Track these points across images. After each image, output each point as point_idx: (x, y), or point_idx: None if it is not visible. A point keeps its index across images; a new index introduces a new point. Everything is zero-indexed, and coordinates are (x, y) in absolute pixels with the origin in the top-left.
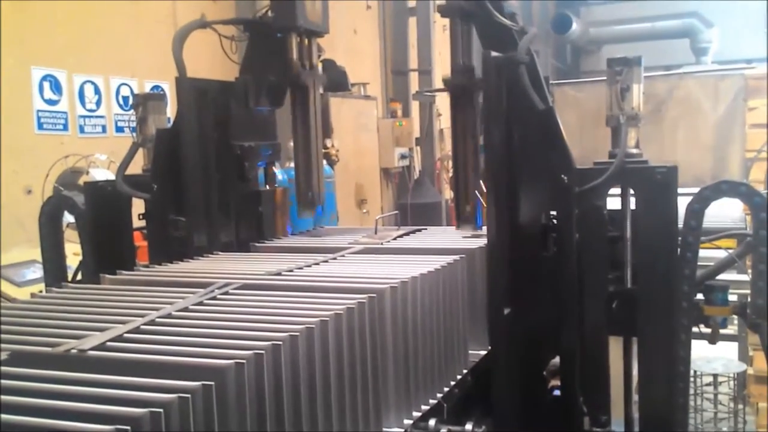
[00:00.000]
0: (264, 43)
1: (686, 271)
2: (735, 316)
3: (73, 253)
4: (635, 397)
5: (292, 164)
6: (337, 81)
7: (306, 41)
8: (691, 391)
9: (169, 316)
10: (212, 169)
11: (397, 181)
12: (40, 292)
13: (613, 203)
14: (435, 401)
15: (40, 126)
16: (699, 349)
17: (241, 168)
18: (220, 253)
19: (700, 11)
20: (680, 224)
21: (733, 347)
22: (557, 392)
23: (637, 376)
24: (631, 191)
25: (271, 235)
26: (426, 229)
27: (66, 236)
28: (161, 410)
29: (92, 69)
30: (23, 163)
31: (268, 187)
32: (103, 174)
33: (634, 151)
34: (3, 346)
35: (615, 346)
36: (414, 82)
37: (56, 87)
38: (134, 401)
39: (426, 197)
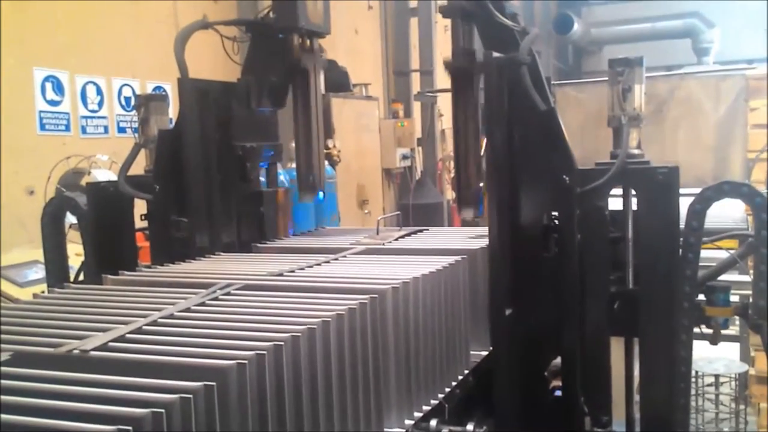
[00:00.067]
0: (266, 44)
1: (688, 271)
2: (736, 317)
3: (75, 253)
4: (636, 398)
5: (294, 165)
6: (339, 82)
7: (307, 42)
8: (693, 392)
9: (171, 316)
10: (214, 170)
11: (398, 182)
12: (42, 292)
13: (615, 204)
14: (436, 402)
15: (42, 127)
16: (700, 350)
17: (243, 169)
18: (222, 253)
19: (702, 11)
20: (682, 225)
21: (734, 348)
22: (558, 393)
23: (638, 376)
24: (633, 192)
25: (272, 235)
26: (428, 229)
27: (68, 237)
28: (163, 410)
29: (94, 70)
30: (25, 164)
31: (269, 187)
32: (105, 175)
33: (636, 151)
34: (5, 346)
35: (616, 347)
36: (416, 83)
37: (58, 88)
38: (136, 401)
39: (428, 198)
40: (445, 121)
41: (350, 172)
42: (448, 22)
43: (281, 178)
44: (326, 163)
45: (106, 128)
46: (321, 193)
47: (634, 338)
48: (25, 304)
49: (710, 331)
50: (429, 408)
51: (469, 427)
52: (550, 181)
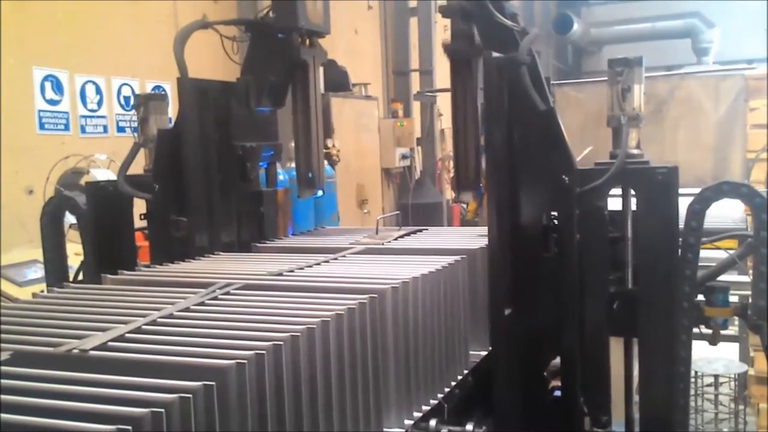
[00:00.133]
0: (265, 44)
1: (687, 271)
2: (736, 317)
3: (75, 253)
4: (636, 398)
5: (293, 164)
6: (338, 81)
7: (307, 42)
8: (692, 392)
9: (171, 316)
10: (214, 170)
11: (398, 182)
12: (42, 292)
13: (614, 204)
14: (436, 402)
15: (42, 126)
16: (700, 350)
17: (242, 168)
18: (222, 253)
19: (701, 11)
20: (681, 225)
21: (734, 348)
22: (558, 393)
23: (637, 376)
24: (632, 192)
25: (272, 235)
26: (427, 229)
27: (68, 236)
28: (162, 410)
29: (94, 69)
30: (24, 164)
31: (269, 187)
32: (104, 174)
33: (635, 151)
34: (4, 345)
35: (616, 347)
36: (415, 83)
37: (58, 87)
38: (135, 401)
39: (427, 197)
40: (445, 121)
41: (350, 172)
42: (447, 21)
43: (281, 177)
44: (325, 162)
45: (105, 128)
46: (320, 191)
47: (633, 338)
48: (25, 304)
49: (709, 331)
50: (428, 408)
51: (469, 427)
52: (549, 181)
